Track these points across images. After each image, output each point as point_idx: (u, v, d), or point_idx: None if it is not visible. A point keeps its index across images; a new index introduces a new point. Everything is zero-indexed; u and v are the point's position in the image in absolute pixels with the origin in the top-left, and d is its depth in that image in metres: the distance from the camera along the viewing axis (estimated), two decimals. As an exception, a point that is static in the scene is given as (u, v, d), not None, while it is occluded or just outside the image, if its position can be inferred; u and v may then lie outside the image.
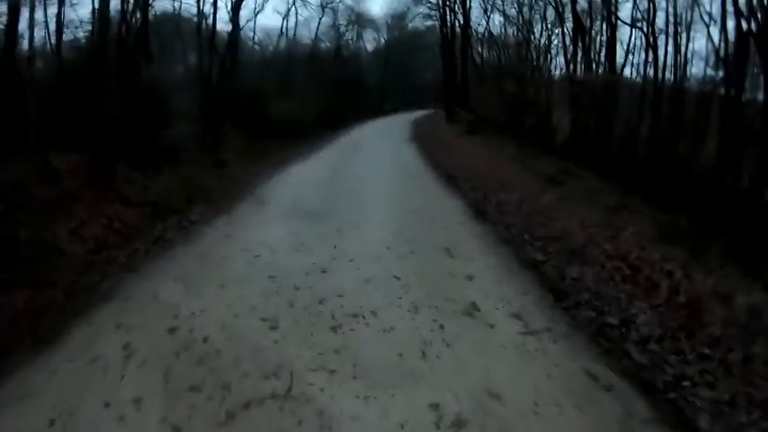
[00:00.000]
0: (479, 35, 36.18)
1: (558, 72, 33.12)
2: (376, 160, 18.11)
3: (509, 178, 13.86)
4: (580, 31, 26.44)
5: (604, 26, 27.48)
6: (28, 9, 14.33)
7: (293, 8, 37.70)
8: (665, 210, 14.32)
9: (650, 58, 27.89)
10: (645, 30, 24.98)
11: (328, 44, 41.96)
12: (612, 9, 26.63)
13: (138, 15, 25.41)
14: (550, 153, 23.85)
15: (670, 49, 25.71)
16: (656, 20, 24.97)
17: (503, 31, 36.11)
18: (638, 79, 30.14)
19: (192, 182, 14.25)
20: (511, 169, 15.82)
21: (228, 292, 6.07)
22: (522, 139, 28.36)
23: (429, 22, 41.67)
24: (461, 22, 33.74)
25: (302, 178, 14.18)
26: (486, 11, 34.65)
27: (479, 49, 37.00)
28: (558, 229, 8.88)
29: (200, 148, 24.81)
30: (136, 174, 14.04)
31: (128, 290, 6.12)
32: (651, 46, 24.41)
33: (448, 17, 35.98)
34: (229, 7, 28.13)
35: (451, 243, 7.87)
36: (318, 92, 37.54)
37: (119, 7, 25.11)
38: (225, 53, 27.10)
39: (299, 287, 6.21)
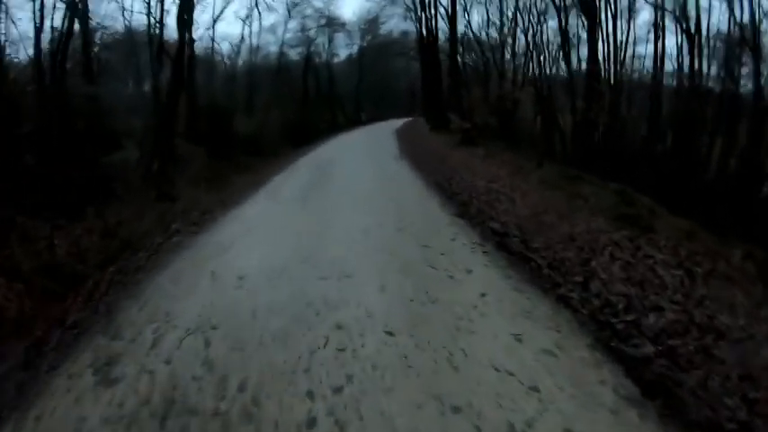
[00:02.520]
0: (459, 36, 30.23)
1: (554, 69, 27.59)
2: (361, 195, 11.33)
3: (571, 223, 8.21)
4: (588, 19, 20.66)
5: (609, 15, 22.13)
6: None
7: (256, 11, 31.48)
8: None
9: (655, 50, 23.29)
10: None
11: (297, 51, 35.68)
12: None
13: (65, 29, 20.11)
14: (564, 163, 18.55)
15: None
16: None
17: (485, 30, 30.63)
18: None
19: (121, 228, 10.28)
20: (555, 201, 10.19)
21: None
22: (525, 147, 23.27)
23: (404, 26, 35.56)
24: (448, 15, 27.39)
25: (243, 232, 8.39)
26: (465, 8, 28.68)
27: (460, 51, 31.04)
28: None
29: (145, 175, 19.22)
30: (41, 225, 10.16)
31: None
32: (685, 32, 18.81)
33: (427, 12, 29.90)
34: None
35: None
36: (287, 104, 31.58)
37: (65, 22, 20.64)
38: (175, 63, 20.90)
39: None
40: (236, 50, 31.52)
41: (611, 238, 7.53)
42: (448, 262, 6.03)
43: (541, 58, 27.47)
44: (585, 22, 22.07)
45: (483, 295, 4.94)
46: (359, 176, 13.90)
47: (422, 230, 7.57)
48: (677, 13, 19.54)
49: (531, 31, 28.03)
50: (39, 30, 20.17)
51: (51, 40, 21.00)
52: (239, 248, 7.17)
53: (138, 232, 9.96)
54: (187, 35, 25.44)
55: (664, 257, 6.78)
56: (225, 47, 32.15)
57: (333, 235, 7.65)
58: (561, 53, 25.28)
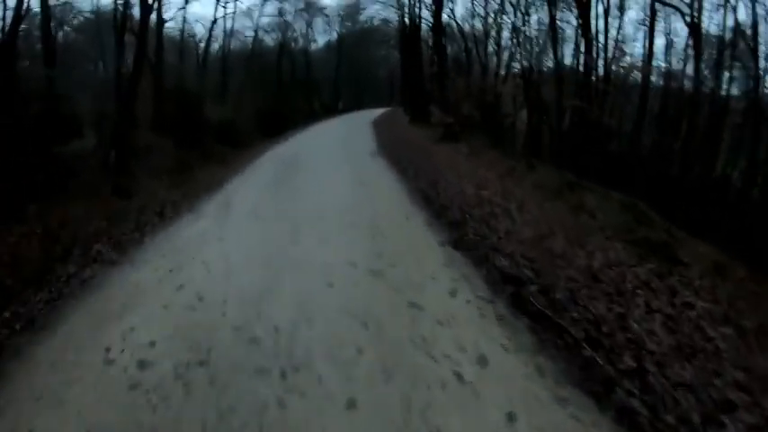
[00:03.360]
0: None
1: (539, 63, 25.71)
2: (329, 209, 8.61)
3: (585, 251, 6.56)
4: (581, 10, 18.79)
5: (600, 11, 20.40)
6: None
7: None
8: None
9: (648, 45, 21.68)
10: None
11: (273, 37, 33.27)
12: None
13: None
14: (553, 163, 16.91)
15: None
16: None
17: (468, 20, 28.66)
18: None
19: (66, 231, 8.85)
20: (559, 217, 8.51)
21: None
22: (508, 144, 21.70)
23: (385, 13, 33.23)
24: (433, 1, 24.87)
25: (169, 270, 6.12)
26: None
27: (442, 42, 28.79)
28: None
29: (102, 166, 17.19)
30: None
31: None
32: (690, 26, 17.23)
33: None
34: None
35: None
36: (261, 90, 29.33)
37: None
38: (138, 41, 18.67)
39: None
40: (208, 33, 29.10)
41: (638, 276, 5.98)
42: (450, 341, 3.99)
43: (527, 49, 25.59)
44: (576, 14, 20.25)
45: (511, 419, 3.07)
46: (330, 181, 11.45)
47: (408, 274, 5.53)
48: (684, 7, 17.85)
49: (518, 21, 26.19)
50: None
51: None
52: (155, 302, 5.11)
53: (84, 236, 8.34)
54: (155, 13, 23.30)
55: (705, 306, 5.34)
56: (198, 29, 29.61)
57: (283, 281, 5.57)
58: (548, 46, 23.42)
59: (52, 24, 26.11)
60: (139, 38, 18.77)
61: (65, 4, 26.28)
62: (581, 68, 20.44)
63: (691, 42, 19.44)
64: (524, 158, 14.53)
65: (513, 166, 13.16)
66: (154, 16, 23.68)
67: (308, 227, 7.60)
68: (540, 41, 24.37)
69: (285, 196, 9.95)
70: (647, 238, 8.07)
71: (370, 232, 7.18)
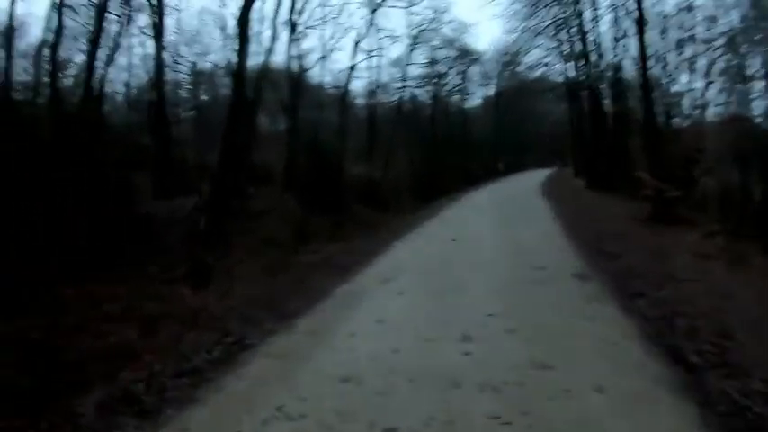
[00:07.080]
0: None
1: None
2: None
3: None
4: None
5: None
6: None
7: (375, 41, 23.91)
8: None
9: None
10: None
11: (425, 90, 27.77)
12: None
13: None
14: None
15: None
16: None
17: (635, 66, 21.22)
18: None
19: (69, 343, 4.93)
20: None
21: None
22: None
23: (549, 59, 26.34)
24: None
25: None
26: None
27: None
28: None
29: (190, 233, 12.38)
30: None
31: None
32: None
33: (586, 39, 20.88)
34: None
35: None
36: (412, 149, 24.04)
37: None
38: (234, 87, 13.99)
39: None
40: (346, 80, 23.83)
41: None
42: None
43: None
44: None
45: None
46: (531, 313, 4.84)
47: None
48: None
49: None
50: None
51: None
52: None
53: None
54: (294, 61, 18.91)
55: None
56: (342, 80, 24.59)
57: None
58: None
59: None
60: (236, 80, 14.14)
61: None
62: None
63: None
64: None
65: None
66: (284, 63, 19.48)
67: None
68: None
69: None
70: None
71: None
